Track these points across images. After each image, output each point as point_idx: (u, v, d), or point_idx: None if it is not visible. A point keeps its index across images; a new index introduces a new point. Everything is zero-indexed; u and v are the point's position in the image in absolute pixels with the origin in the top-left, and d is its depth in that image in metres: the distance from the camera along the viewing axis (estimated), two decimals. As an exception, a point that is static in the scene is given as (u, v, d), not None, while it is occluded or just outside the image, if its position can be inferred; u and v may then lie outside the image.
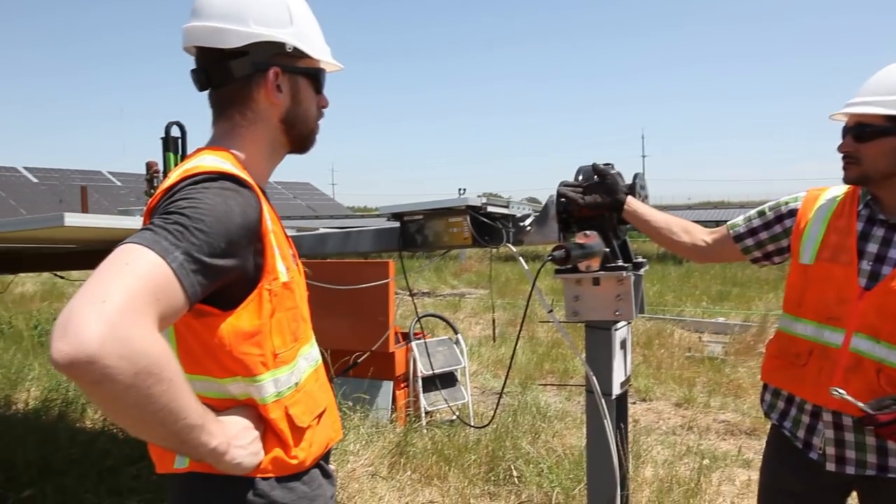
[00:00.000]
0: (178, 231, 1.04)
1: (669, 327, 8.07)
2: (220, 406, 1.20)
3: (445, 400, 4.76)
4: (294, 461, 1.25)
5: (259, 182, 1.30)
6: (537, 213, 2.46)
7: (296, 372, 1.28)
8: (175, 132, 7.01)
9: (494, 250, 2.62)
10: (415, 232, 2.44)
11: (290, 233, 3.16)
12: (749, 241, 2.04)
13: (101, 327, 0.90)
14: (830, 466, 1.79)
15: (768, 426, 4.83)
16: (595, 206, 2.14)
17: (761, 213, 2.03)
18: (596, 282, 2.25)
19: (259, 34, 1.28)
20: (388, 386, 4.79)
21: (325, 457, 1.39)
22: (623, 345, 2.39)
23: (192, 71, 1.34)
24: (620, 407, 2.40)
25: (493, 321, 4.05)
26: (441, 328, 7.62)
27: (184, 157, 7.19)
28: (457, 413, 4.29)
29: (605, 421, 2.26)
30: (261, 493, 1.22)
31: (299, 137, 1.40)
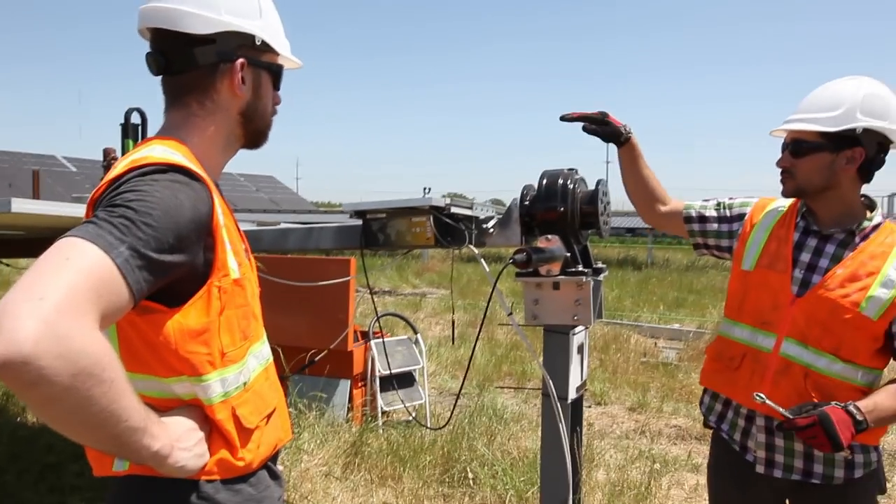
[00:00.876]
0: (123, 225, 1.00)
1: (626, 332, 8.19)
2: (164, 406, 1.16)
3: (402, 400, 4.73)
4: (240, 463, 1.22)
5: (212, 175, 1.26)
6: (500, 216, 2.46)
7: (244, 371, 1.24)
8: (135, 119, 6.84)
9: (457, 251, 2.61)
10: (377, 230, 2.42)
11: (250, 227, 3.11)
12: (695, 227, 2.10)
13: (38, 325, 0.85)
14: (760, 469, 1.86)
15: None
16: (608, 137, 2.14)
17: (717, 207, 2.09)
18: (556, 286, 2.26)
19: (230, 23, 1.25)
20: (345, 385, 4.74)
21: (273, 458, 1.35)
22: (580, 349, 2.41)
23: (149, 54, 1.29)
24: (576, 411, 2.41)
25: (453, 323, 4.03)
26: (401, 327, 7.60)
27: None
28: (413, 414, 4.27)
29: (560, 424, 2.27)
30: (205, 495, 1.18)
31: (255, 132, 1.38)
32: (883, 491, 1.88)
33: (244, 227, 3.00)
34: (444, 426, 3.09)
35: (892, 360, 1.85)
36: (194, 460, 1.13)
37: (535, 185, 2.36)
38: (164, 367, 1.14)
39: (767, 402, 1.72)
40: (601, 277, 2.37)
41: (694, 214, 2.10)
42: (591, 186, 2.29)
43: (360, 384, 4.91)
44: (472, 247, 2.44)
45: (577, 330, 2.35)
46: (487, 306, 2.13)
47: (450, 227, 2.35)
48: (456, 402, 2.41)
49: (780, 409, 1.69)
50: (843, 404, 1.65)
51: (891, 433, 4.80)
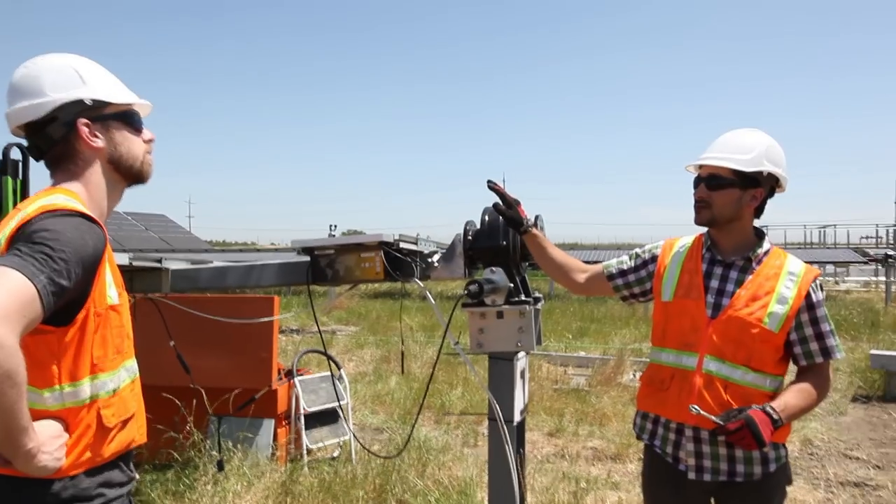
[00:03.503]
0: (42, 258, 1.26)
1: (537, 361, 8.47)
2: (33, 416, 1.34)
3: (355, 436, 4.70)
4: (89, 454, 1.44)
5: (102, 218, 1.53)
6: (443, 250, 2.59)
7: (114, 380, 1.49)
8: (15, 154, 6.42)
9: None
10: (325, 266, 2.49)
11: (184, 266, 3.07)
12: (619, 282, 2.34)
13: None
14: (691, 475, 2.08)
15: (631, 451, 5.23)
16: (510, 223, 2.32)
17: (631, 258, 2.36)
18: (500, 315, 2.41)
19: (57, 99, 1.50)
20: (269, 424, 4.65)
21: (126, 458, 1.58)
22: (522, 374, 2.56)
23: (26, 147, 1.57)
24: (520, 433, 2.55)
25: (402, 354, 4.08)
26: (315, 364, 7.50)
27: (25, 181, 6.69)
28: (364, 445, 4.25)
29: (507, 447, 2.40)
30: (66, 486, 1.40)
31: (130, 171, 1.61)
32: (790, 482, 2.15)
33: (178, 265, 2.97)
34: (399, 454, 3.12)
35: (791, 367, 2.14)
36: (53, 462, 1.35)
37: (477, 221, 2.52)
38: (41, 379, 1.37)
39: (702, 412, 1.95)
40: (539, 306, 2.55)
41: (615, 271, 2.35)
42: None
43: (284, 423, 4.83)
44: (417, 281, 2.55)
45: (519, 356, 2.51)
46: (444, 339, 2.24)
47: (398, 261, 2.46)
48: (412, 431, 2.48)
49: (712, 418, 1.92)
50: (761, 406, 1.91)
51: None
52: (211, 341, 4.44)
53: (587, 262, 2.46)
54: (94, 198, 1.53)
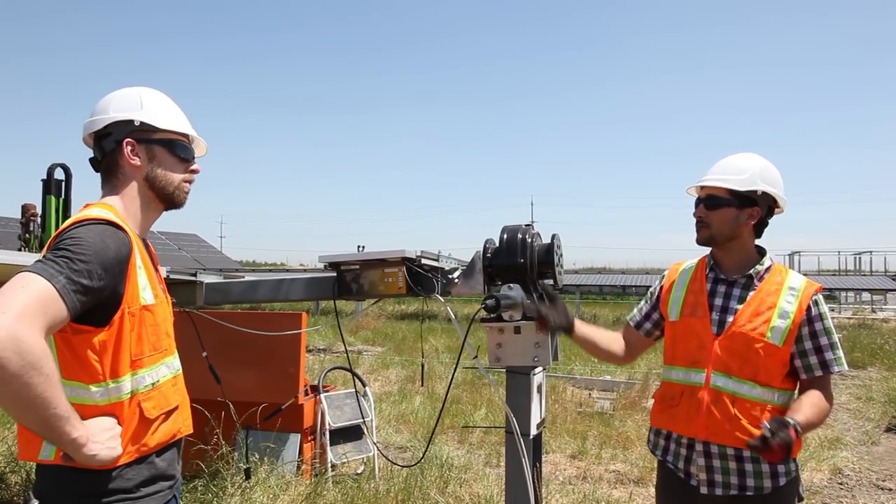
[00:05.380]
0: (63, 261, 1.40)
1: (562, 384, 8.46)
2: (86, 413, 1.49)
3: (378, 447, 4.77)
4: (137, 446, 1.55)
5: (139, 230, 1.70)
6: (464, 267, 2.68)
7: (153, 374, 1.61)
8: (59, 175, 6.62)
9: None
10: (351, 280, 2.59)
11: (217, 279, 3.21)
12: (647, 326, 2.43)
13: (1, 331, 1.24)
14: (703, 490, 2.12)
15: (654, 475, 5.22)
16: (555, 325, 2.30)
17: (646, 300, 2.47)
18: (517, 330, 2.48)
19: (113, 117, 1.69)
20: (295, 438, 4.74)
21: (174, 451, 1.72)
22: (539, 389, 2.62)
23: (90, 158, 1.75)
24: (536, 447, 2.60)
25: (423, 366, 4.16)
26: (340, 382, 7.61)
27: (67, 201, 6.97)
28: (387, 457, 4.32)
29: (523, 459, 2.46)
30: (104, 479, 1.51)
31: (163, 193, 1.75)
32: (801, 498, 2.16)
33: (211, 278, 3.11)
34: (419, 462, 3.19)
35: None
36: (106, 451, 1.46)
37: (496, 239, 2.60)
38: (87, 375, 1.50)
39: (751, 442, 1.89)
40: (556, 322, 2.61)
41: (640, 318, 2.45)
42: (546, 240, 2.55)
43: (309, 438, 4.92)
44: (438, 296, 2.64)
45: (536, 371, 2.57)
46: (460, 353, 2.31)
47: (420, 276, 2.55)
48: (431, 438, 2.55)
49: (757, 433, 1.89)
50: (793, 423, 1.89)
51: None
52: (240, 356, 4.58)
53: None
54: (129, 211, 1.69)
